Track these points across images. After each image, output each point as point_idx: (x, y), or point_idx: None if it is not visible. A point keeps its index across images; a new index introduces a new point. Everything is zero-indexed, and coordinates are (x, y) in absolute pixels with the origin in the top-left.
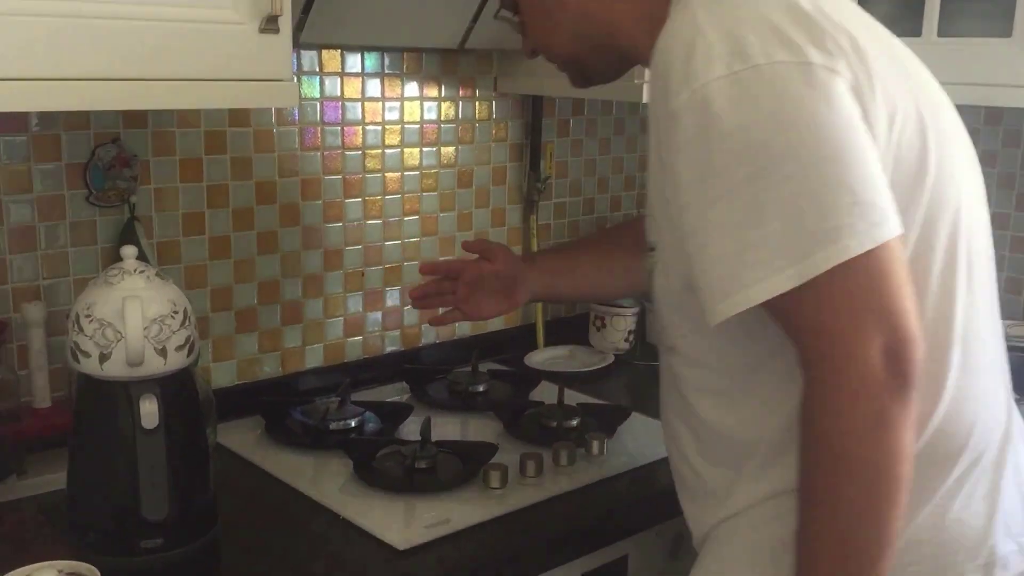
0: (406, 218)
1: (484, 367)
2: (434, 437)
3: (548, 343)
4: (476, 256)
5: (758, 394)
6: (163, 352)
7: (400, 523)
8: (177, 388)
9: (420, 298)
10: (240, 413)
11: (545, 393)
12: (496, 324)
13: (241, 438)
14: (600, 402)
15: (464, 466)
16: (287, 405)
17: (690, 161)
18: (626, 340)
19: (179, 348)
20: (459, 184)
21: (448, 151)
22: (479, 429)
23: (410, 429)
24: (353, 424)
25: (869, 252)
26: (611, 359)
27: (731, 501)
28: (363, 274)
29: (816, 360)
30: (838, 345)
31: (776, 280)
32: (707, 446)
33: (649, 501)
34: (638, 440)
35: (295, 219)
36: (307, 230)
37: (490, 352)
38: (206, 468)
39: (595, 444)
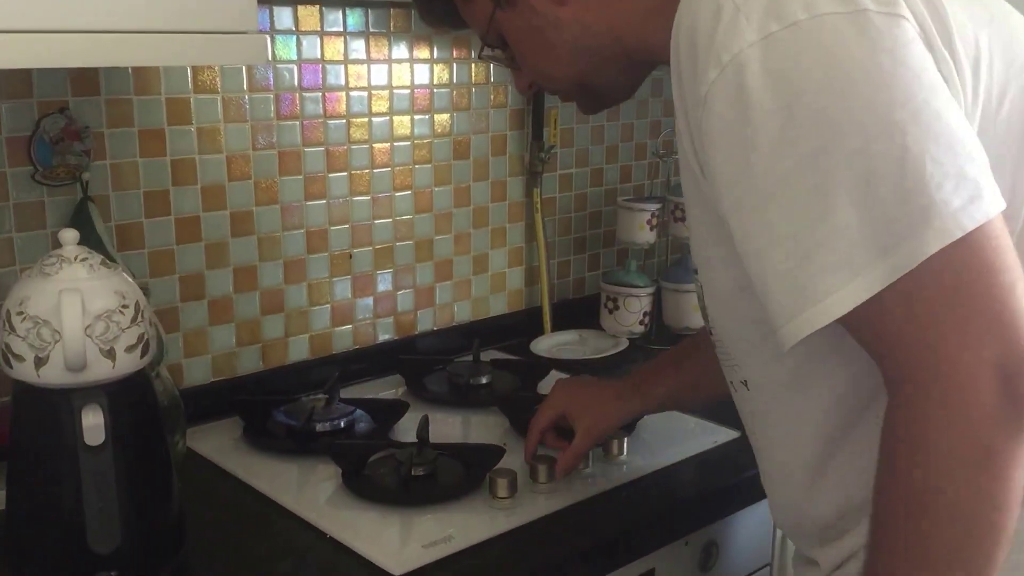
0: (397, 193)
1: (487, 356)
2: (433, 438)
3: (556, 328)
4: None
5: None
6: (110, 354)
7: (395, 542)
8: (129, 395)
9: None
10: (216, 414)
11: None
12: (499, 308)
13: (217, 443)
14: None
15: (467, 472)
16: (268, 404)
17: (730, 153)
18: (641, 323)
19: (130, 348)
20: (455, 155)
21: (442, 119)
22: (482, 427)
23: (406, 429)
24: (342, 425)
25: (967, 236)
26: (625, 343)
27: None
28: (351, 256)
29: (904, 380)
30: (936, 362)
31: (855, 286)
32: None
33: (676, 508)
34: (659, 436)
35: (273, 197)
36: (287, 209)
37: (493, 339)
38: (168, 486)
39: (614, 443)
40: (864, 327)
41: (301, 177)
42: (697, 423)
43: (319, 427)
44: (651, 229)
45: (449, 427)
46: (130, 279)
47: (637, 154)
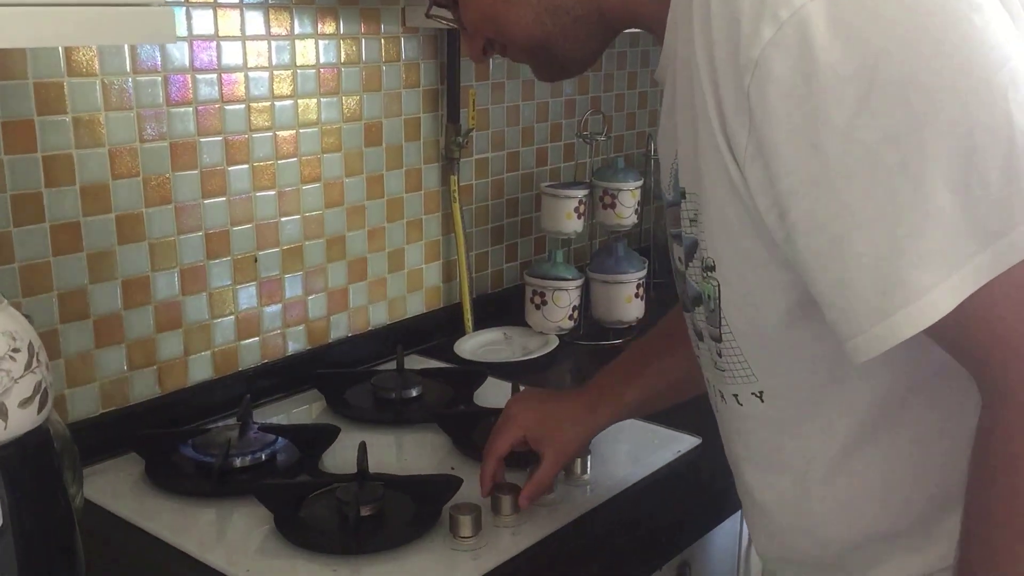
0: (305, 186)
1: (410, 363)
2: (374, 468)
3: (478, 326)
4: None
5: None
6: (1, 412)
7: None
8: (28, 461)
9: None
10: (109, 450)
11: (492, 392)
12: (416, 308)
13: (114, 487)
14: None
15: (420, 509)
16: (173, 438)
17: (792, 126)
18: (570, 317)
19: (25, 403)
20: (367, 142)
21: (351, 101)
22: (422, 450)
23: (338, 459)
24: (263, 458)
25: None
26: (555, 341)
27: None
28: (256, 260)
29: (1013, 390)
30: None
31: (956, 281)
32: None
33: (650, 534)
34: (619, 450)
35: (165, 196)
36: (182, 209)
37: (412, 342)
38: (75, 562)
39: (577, 463)
40: (959, 330)
41: (197, 172)
42: (655, 432)
43: (237, 462)
44: (579, 217)
45: (383, 451)
46: (19, 314)
47: (552, 135)
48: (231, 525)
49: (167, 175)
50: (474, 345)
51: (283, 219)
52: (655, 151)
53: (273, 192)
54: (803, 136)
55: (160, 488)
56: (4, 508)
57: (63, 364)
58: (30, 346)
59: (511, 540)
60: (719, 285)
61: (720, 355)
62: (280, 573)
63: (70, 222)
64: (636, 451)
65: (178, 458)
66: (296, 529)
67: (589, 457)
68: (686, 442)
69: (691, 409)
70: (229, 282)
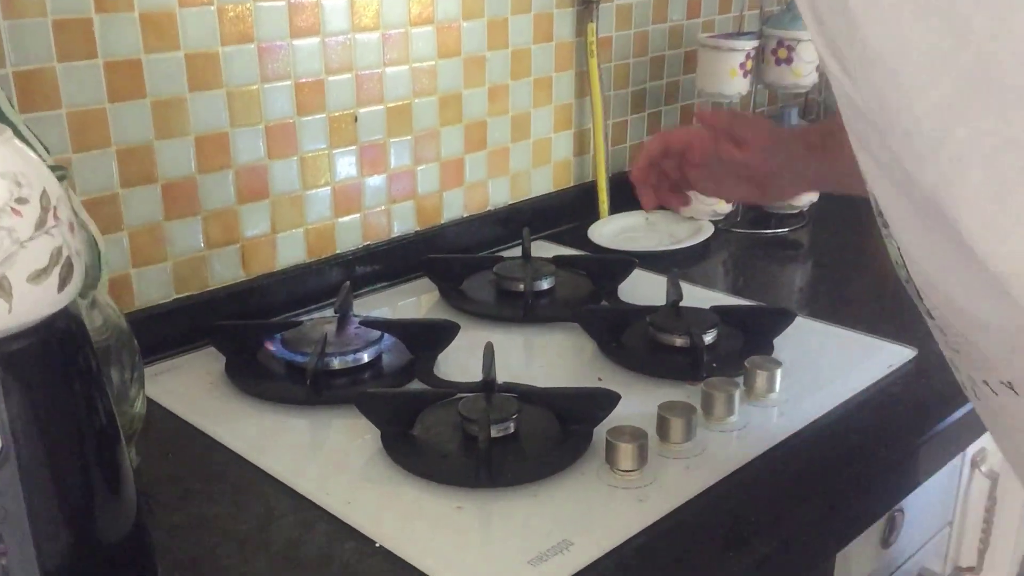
0: (414, 29)
1: (537, 249)
2: (500, 377)
3: (614, 210)
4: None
5: None
6: (3, 286)
7: (477, 555)
8: (43, 359)
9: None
10: (183, 343)
11: (639, 287)
12: (543, 185)
13: (186, 388)
14: (742, 302)
15: (565, 430)
16: (258, 331)
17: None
18: (727, 200)
19: (37, 276)
20: None
21: None
22: (560, 354)
23: (457, 363)
24: (366, 359)
25: None
26: (710, 228)
27: None
28: (355, 119)
29: None
30: None
31: None
32: None
33: (860, 475)
34: (812, 362)
35: (245, 31)
36: (266, 50)
37: (537, 226)
38: (121, 498)
39: (761, 377)
40: None
41: (284, 3)
42: (857, 339)
43: (336, 363)
44: (744, 76)
45: (511, 355)
46: (31, 152)
47: None
48: (327, 441)
49: (248, 5)
50: (611, 231)
51: (388, 70)
52: None
53: (376, 35)
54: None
55: (241, 391)
56: (6, 420)
57: (126, 237)
58: (44, 196)
59: (684, 476)
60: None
61: (944, 332)
62: (389, 506)
63: (129, 59)
64: (834, 365)
65: (264, 356)
66: (409, 451)
67: (778, 370)
68: (896, 354)
69: (896, 311)
70: (324, 145)
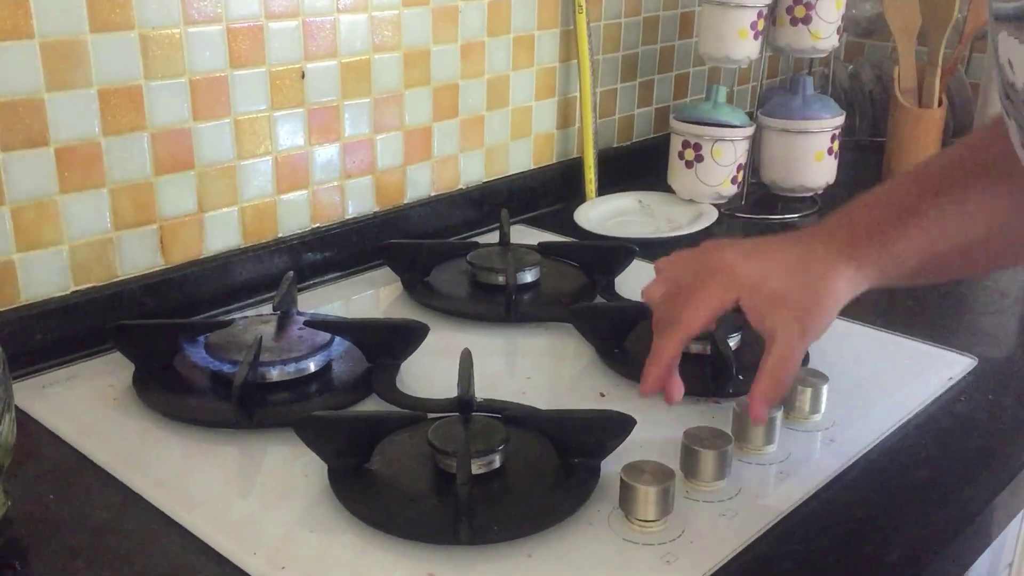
0: None
1: (517, 235)
2: (480, 392)
3: (603, 190)
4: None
5: None
6: None
7: None
8: None
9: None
10: (82, 348)
11: (635, 280)
12: (522, 161)
13: (84, 406)
14: None
15: (565, 465)
16: (174, 332)
17: None
18: (733, 180)
19: None
20: None
21: None
22: (553, 363)
23: (423, 375)
24: (312, 369)
25: None
26: (714, 213)
27: None
28: (303, 74)
29: None
30: None
31: None
32: None
33: (928, 516)
34: (857, 371)
35: None
36: None
37: (514, 209)
38: None
39: (804, 393)
40: None
41: None
42: (904, 345)
43: (274, 374)
44: (755, 38)
45: (490, 364)
46: None
47: None
48: (258, 478)
49: None
50: (600, 214)
51: (343, 17)
52: None
53: None
54: None
55: (151, 409)
56: None
57: (8, 214)
58: None
59: (720, 527)
60: None
61: None
62: (337, 570)
63: None
64: (882, 377)
65: (182, 364)
66: (364, 492)
67: (825, 387)
68: (957, 364)
69: (944, 310)
70: (264, 107)
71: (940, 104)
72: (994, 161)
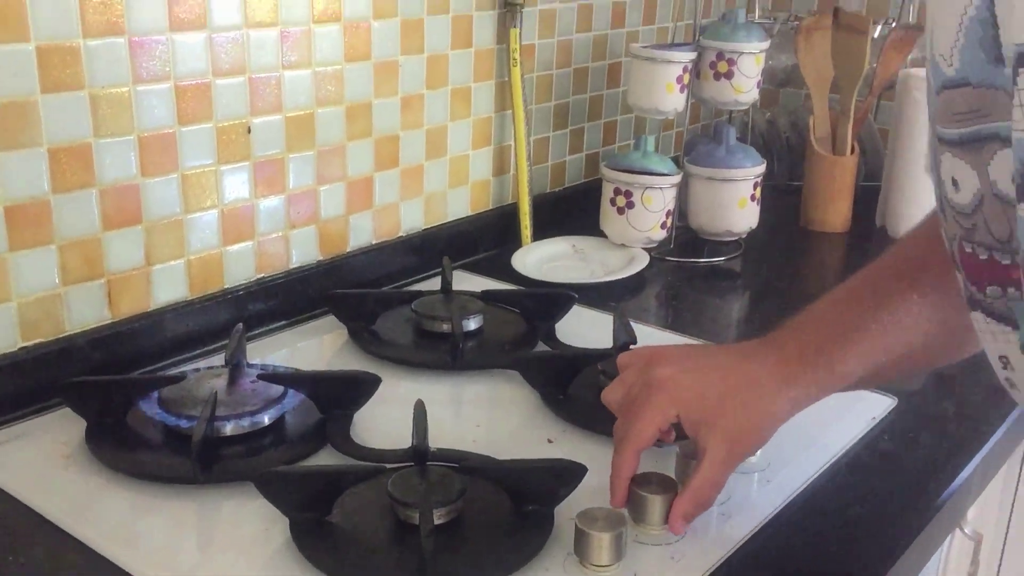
0: (318, 28)
1: (458, 281)
2: (432, 440)
3: (538, 235)
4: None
5: None
6: None
7: None
8: None
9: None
10: (32, 405)
11: (575, 325)
12: (459, 208)
13: (35, 464)
14: (690, 341)
15: (519, 513)
16: (126, 388)
17: None
18: (663, 226)
19: None
20: None
21: None
22: (501, 411)
23: (375, 424)
24: (267, 422)
25: None
26: (644, 258)
27: None
28: (248, 129)
29: None
30: None
31: None
32: None
33: (859, 552)
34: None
35: (115, 22)
36: (139, 45)
37: (455, 254)
38: None
39: None
40: None
41: None
42: None
43: (229, 428)
44: (681, 91)
45: (440, 412)
46: None
47: None
48: (217, 532)
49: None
50: (536, 259)
51: (287, 73)
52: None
53: (274, 32)
54: None
55: (105, 466)
56: None
57: None
58: None
59: (670, 568)
60: None
61: None
62: None
63: None
64: (809, 418)
65: (136, 420)
66: (327, 545)
67: None
68: (877, 404)
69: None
70: (211, 161)
71: (853, 151)
72: (925, 271)
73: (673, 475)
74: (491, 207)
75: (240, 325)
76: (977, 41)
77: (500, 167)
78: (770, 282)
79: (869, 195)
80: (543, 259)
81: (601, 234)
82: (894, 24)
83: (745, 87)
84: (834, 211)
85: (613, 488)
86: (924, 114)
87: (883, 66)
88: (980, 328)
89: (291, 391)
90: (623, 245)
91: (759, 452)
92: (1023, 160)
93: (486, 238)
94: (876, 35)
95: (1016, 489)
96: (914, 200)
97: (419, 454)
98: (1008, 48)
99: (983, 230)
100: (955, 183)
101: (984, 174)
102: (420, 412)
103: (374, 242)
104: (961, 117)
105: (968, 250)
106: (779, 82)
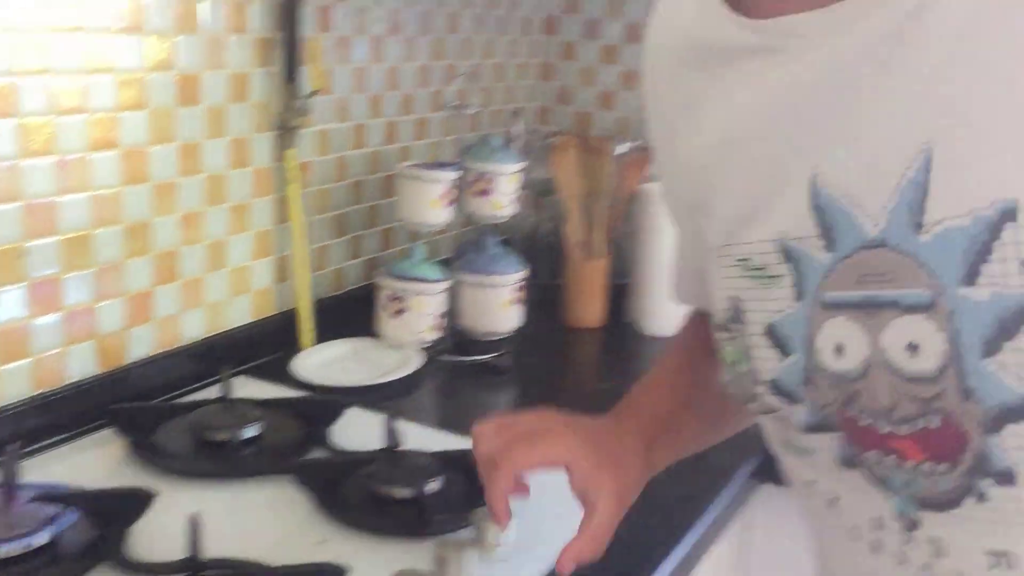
0: (95, 154)
1: (238, 388)
2: (210, 547)
3: (321, 338)
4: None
5: None
6: None
7: None
8: None
9: None
10: None
11: (352, 427)
12: (241, 316)
13: None
14: (461, 442)
15: None
16: None
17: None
18: (435, 327)
19: None
20: (181, 99)
21: (161, 46)
22: (278, 515)
23: (153, 536)
24: (47, 539)
25: None
26: (420, 358)
27: None
28: (26, 252)
29: None
30: None
31: None
32: None
33: None
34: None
35: None
36: None
37: (238, 359)
38: None
39: (491, 528)
40: None
41: None
42: None
43: (2, 551)
44: (446, 206)
45: (218, 519)
46: None
47: (405, 107)
48: None
49: None
50: (317, 363)
51: (64, 198)
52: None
53: (52, 159)
54: None
55: None
56: None
57: None
58: None
59: None
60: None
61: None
62: None
63: None
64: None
65: None
66: None
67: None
68: None
69: None
70: None
71: (607, 254)
72: (706, 380)
73: (427, 571)
74: (274, 312)
75: (16, 444)
76: (907, 204)
77: (282, 274)
78: (536, 376)
79: (624, 293)
80: (323, 362)
81: (378, 336)
82: (631, 145)
83: (503, 203)
84: (591, 309)
85: (497, 512)
86: (662, 222)
87: (625, 181)
88: (855, 486)
89: (68, 509)
90: (399, 346)
91: (512, 536)
92: (997, 316)
93: (269, 342)
94: (623, 150)
95: None
96: (658, 297)
97: (193, 565)
98: (931, 215)
99: (866, 397)
100: (839, 349)
101: (875, 341)
102: (194, 523)
103: (155, 353)
104: (869, 280)
105: (849, 415)
106: (540, 192)
